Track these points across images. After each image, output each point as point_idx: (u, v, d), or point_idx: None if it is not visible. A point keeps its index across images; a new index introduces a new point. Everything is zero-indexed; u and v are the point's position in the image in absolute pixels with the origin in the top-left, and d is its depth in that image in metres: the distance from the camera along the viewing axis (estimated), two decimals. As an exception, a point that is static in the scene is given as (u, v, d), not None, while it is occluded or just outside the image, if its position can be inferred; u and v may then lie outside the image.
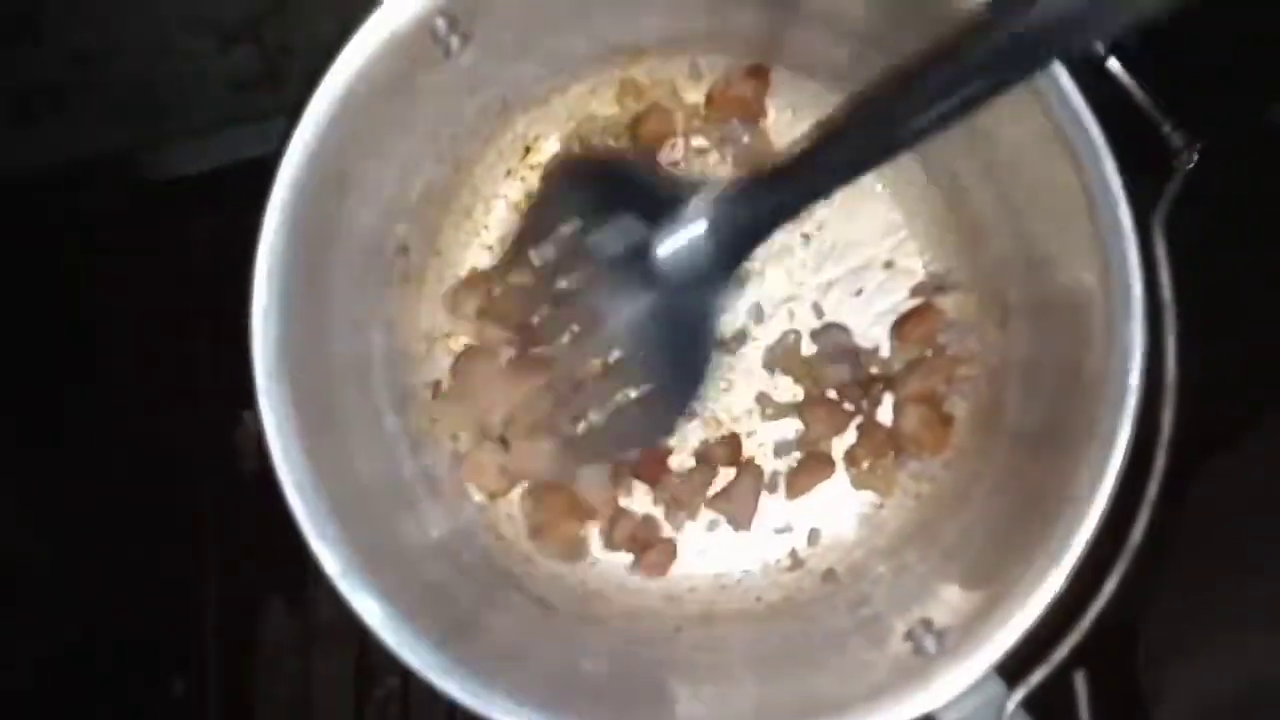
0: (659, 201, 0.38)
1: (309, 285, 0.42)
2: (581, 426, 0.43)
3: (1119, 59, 0.35)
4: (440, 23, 0.39)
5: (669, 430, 0.47)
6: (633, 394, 0.42)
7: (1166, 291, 0.34)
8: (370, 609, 0.38)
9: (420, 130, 0.46)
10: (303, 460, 0.38)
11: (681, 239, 0.37)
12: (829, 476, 0.51)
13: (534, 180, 0.52)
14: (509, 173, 0.52)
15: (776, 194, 0.36)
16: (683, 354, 0.40)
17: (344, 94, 0.39)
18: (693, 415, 0.49)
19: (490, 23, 0.42)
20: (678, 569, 0.51)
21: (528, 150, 0.52)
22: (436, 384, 0.52)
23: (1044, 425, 0.43)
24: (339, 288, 0.45)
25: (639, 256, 0.38)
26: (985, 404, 0.49)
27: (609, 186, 0.41)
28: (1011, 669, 0.36)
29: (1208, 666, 0.42)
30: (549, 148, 0.52)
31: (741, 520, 0.50)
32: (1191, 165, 0.33)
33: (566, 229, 0.41)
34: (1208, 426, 0.46)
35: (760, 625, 0.49)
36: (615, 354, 0.42)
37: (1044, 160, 0.38)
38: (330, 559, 0.38)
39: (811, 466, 0.50)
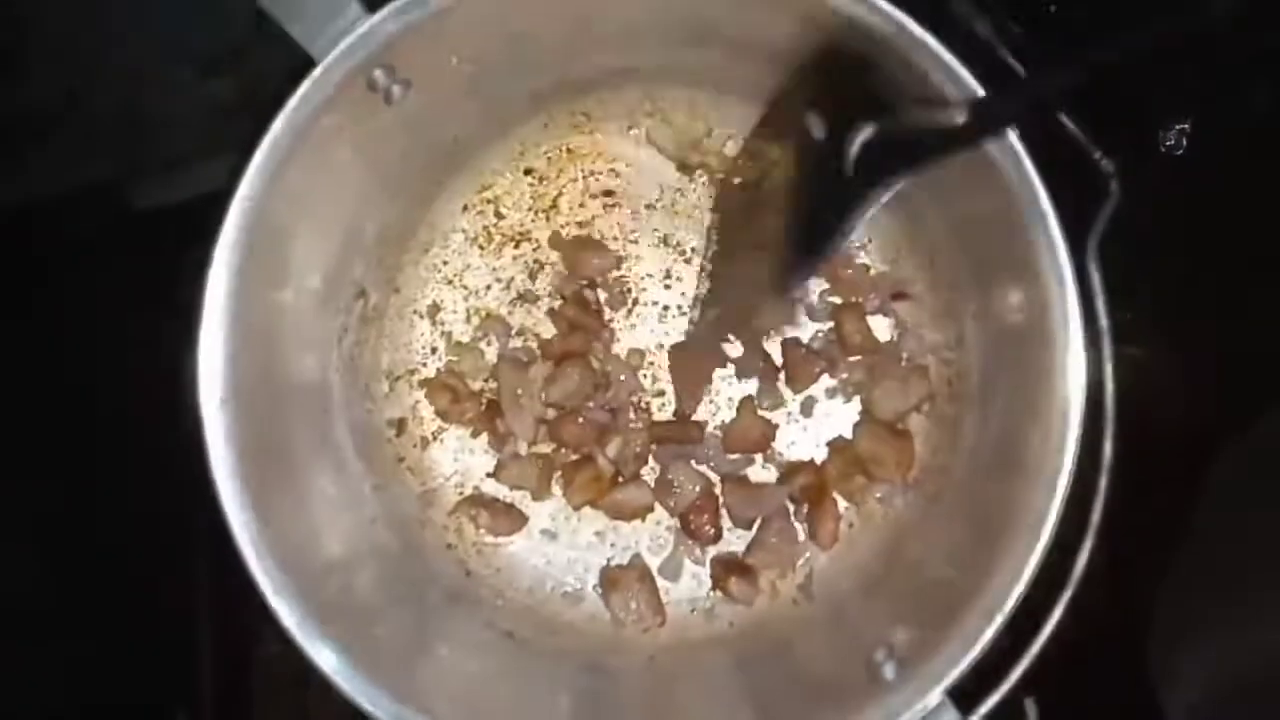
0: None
1: (261, 332, 0.42)
2: None
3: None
4: (378, 74, 0.39)
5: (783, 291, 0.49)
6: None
7: (1103, 319, 0.35)
8: (327, 659, 0.38)
9: (370, 173, 0.46)
10: (253, 510, 0.39)
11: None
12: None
13: (491, 214, 0.53)
14: (466, 207, 0.53)
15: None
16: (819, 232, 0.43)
17: (287, 145, 0.39)
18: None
19: (431, 68, 0.42)
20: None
21: (484, 186, 0.52)
22: (400, 422, 0.52)
23: (998, 446, 0.43)
24: (295, 330, 0.45)
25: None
26: (945, 421, 0.49)
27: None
28: (964, 696, 0.37)
29: (1219, 650, 0.43)
30: (504, 182, 0.52)
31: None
32: (1117, 194, 0.33)
33: None
34: (1220, 417, 0.47)
35: (733, 649, 0.49)
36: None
37: (982, 190, 0.39)
38: (285, 610, 0.38)
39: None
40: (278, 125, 0.37)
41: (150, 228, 0.57)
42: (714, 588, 0.51)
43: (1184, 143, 0.47)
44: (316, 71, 0.37)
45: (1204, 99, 0.47)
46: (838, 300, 0.52)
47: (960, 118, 0.35)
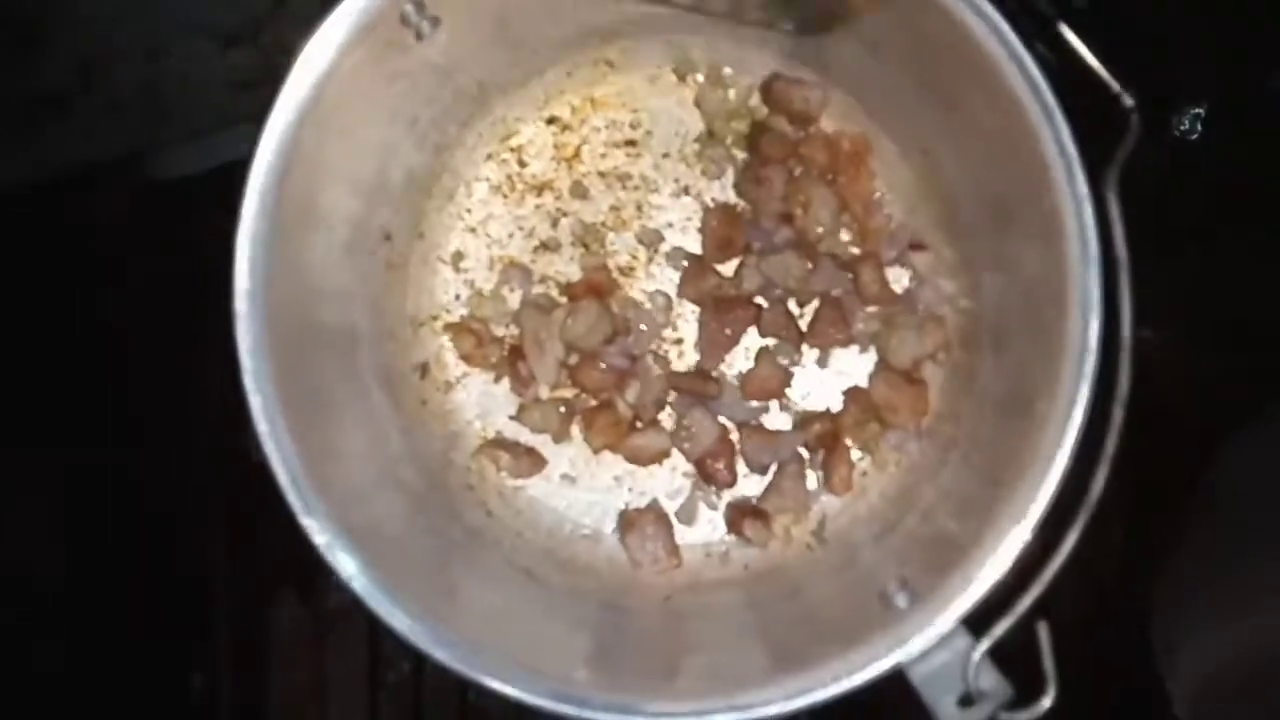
0: None
1: (292, 271, 0.43)
2: None
3: (1069, 24, 0.36)
4: (409, 7, 0.40)
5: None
6: None
7: (1121, 250, 0.35)
8: (350, 569, 0.39)
9: (397, 117, 0.47)
10: (288, 437, 0.40)
11: None
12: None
13: (514, 162, 0.53)
14: (489, 156, 0.53)
15: None
16: None
17: (317, 80, 0.40)
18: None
19: (461, 7, 0.43)
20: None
21: (508, 134, 0.53)
22: (424, 365, 0.53)
23: (1012, 388, 0.44)
24: (323, 274, 0.46)
25: None
26: (960, 369, 0.50)
27: None
28: (976, 621, 0.37)
29: (1222, 636, 0.43)
30: (527, 130, 0.53)
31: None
32: (1139, 127, 0.33)
33: None
34: (1222, 409, 0.47)
35: (746, 590, 0.50)
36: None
37: (1002, 126, 0.39)
38: (318, 531, 0.39)
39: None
40: (310, 51, 0.38)
41: (173, 199, 0.58)
42: (729, 531, 0.52)
43: (1198, 128, 0.47)
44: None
45: (1219, 84, 0.47)
46: (856, 251, 0.52)
47: None
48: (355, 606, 0.39)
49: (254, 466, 0.40)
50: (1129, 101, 0.35)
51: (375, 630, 0.59)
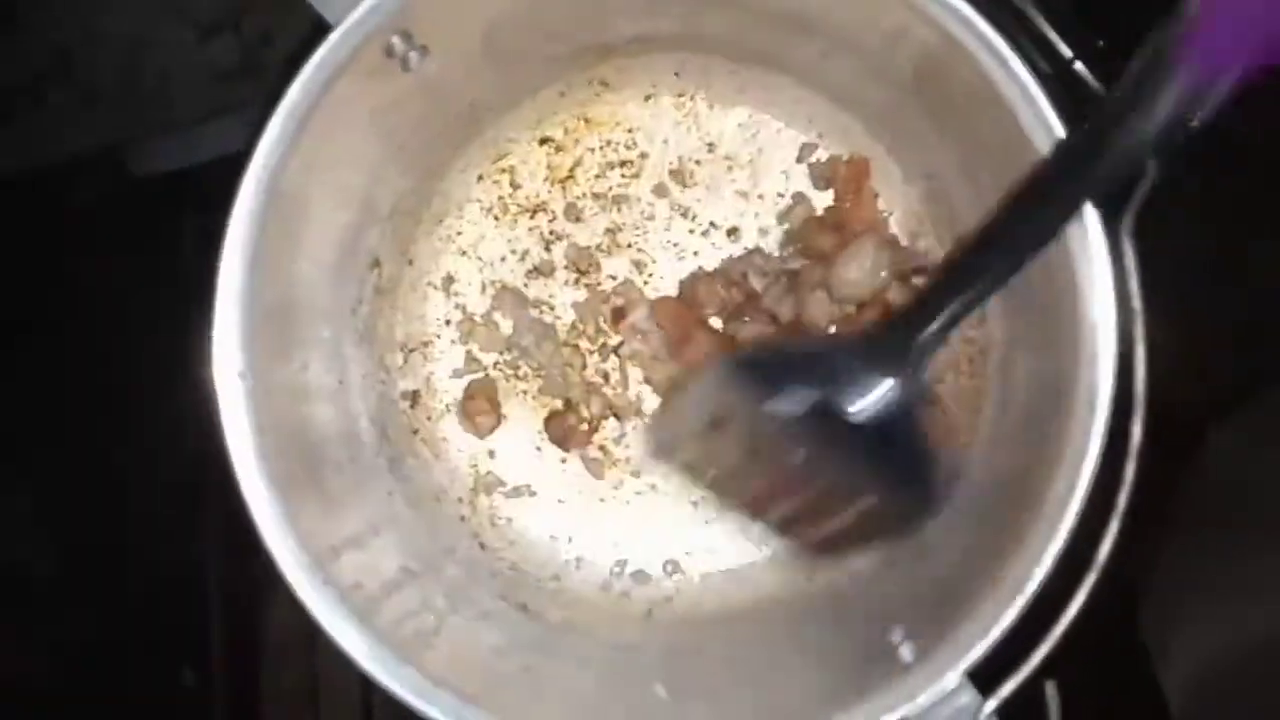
0: (826, 368, 0.37)
1: (276, 304, 0.42)
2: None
3: (1082, 59, 0.34)
4: (395, 40, 0.38)
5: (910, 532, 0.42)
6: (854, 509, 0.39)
7: (1136, 300, 0.34)
8: (342, 631, 0.38)
9: (385, 142, 0.45)
10: (269, 482, 0.38)
11: (876, 400, 0.37)
12: None
13: (506, 184, 0.52)
14: (481, 177, 0.52)
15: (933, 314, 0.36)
16: (899, 469, 0.38)
17: (303, 114, 0.38)
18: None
19: (450, 35, 0.41)
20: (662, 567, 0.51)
21: (500, 155, 0.52)
22: (415, 394, 0.52)
23: (1020, 425, 0.43)
24: (308, 302, 0.45)
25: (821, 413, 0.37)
26: (965, 398, 0.48)
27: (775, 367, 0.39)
28: (984, 679, 0.36)
29: (1214, 629, 0.43)
30: (520, 151, 0.52)
31: None
32: (1155, 170, 0.32)
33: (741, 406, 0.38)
34: (1211, 395, 0.46)
35: (742, 628, 0.49)
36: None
37: (1013, 160, 0.38)
38: (303, 584, 0.38)
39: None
40: (293, 93, 0.36)
41: (150, 194, 0.57)
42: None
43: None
44: (334, 36, 0.36)
45: None
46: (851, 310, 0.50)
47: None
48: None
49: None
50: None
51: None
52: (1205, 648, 0.42)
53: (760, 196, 0.51)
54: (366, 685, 0.62)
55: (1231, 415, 0.46)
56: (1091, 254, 0.35)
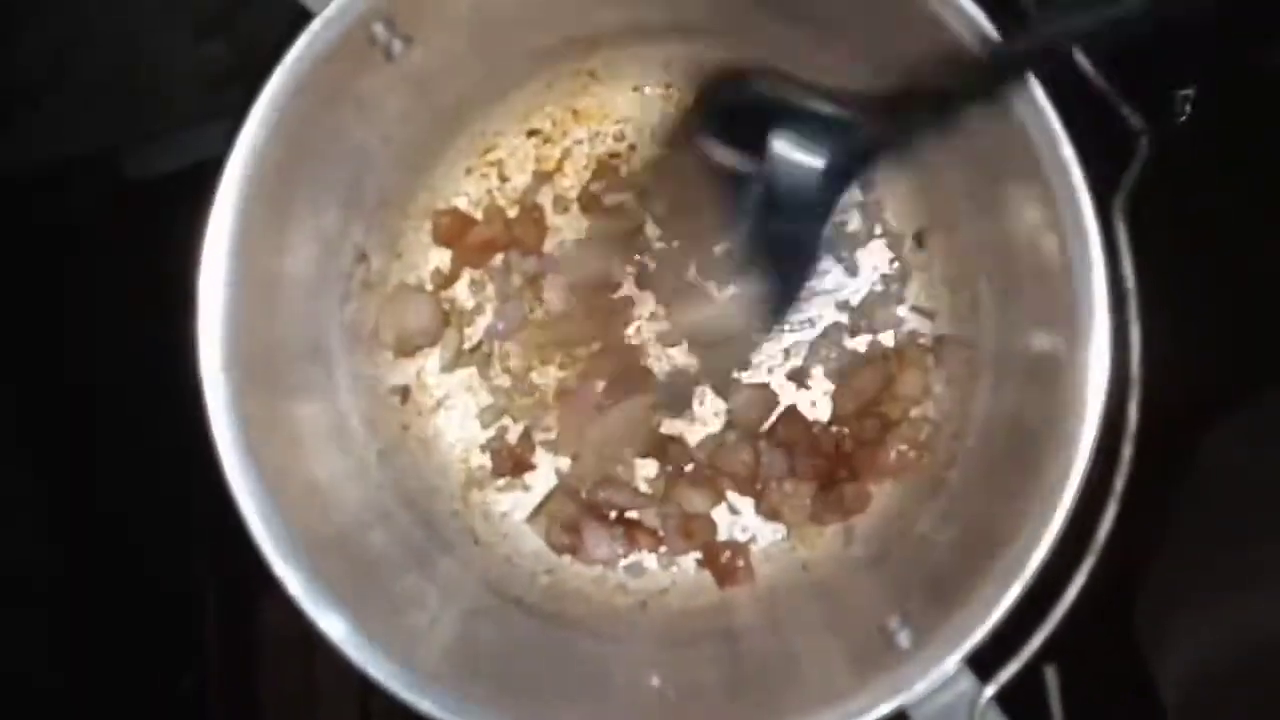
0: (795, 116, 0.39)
1: (261, 298, 0.41)
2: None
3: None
4: (378, 27, 0.38)
5: (767, 329, 0.48)
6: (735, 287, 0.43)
7: (1130, 281, 0.34)
8: (335, 626, 0.37)
9: (370, 134, 0.45)
10: (257, 479, 0.38)
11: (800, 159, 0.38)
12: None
13: (495, 177, 0.51)
14: (469, 170, 0.51)
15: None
16: (788, 257, 0.42)
17: (285, 102, 0.38)
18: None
19: (434, 23, 0.40)
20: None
21: (487, 148, 0.51)
22: (405, 389, 0.51)
23: (1014, 415, 0.42)
24: (293, 296, 0.44)
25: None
26: (956, 385, 0.48)
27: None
28: (983, 665, 0.36)
29: (1210, 625, 0.42)
30: (508, 143, 0.51)
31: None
32: (1146, 150, 0.32)
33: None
34: (1209, 393, 0.46)
35: (737, 619, 0.49)
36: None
37: (1005, 148, 0.37)
38: (293, 579, 0.37)
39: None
40: (275, 80, 0.36)
41: (144, 197, 0.56)
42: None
43: (1187, 109, 0.46)
44: (315, 24, 0.36)
45: (1211, 64, 0.45)
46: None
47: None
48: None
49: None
50: (1138, 124, 0.33)
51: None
52: (1199, 644, 0.42)
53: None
54: (365, 689, 0.62)
55: (1228, 412, 0.46)
56: (1085, 233, 0.35)
